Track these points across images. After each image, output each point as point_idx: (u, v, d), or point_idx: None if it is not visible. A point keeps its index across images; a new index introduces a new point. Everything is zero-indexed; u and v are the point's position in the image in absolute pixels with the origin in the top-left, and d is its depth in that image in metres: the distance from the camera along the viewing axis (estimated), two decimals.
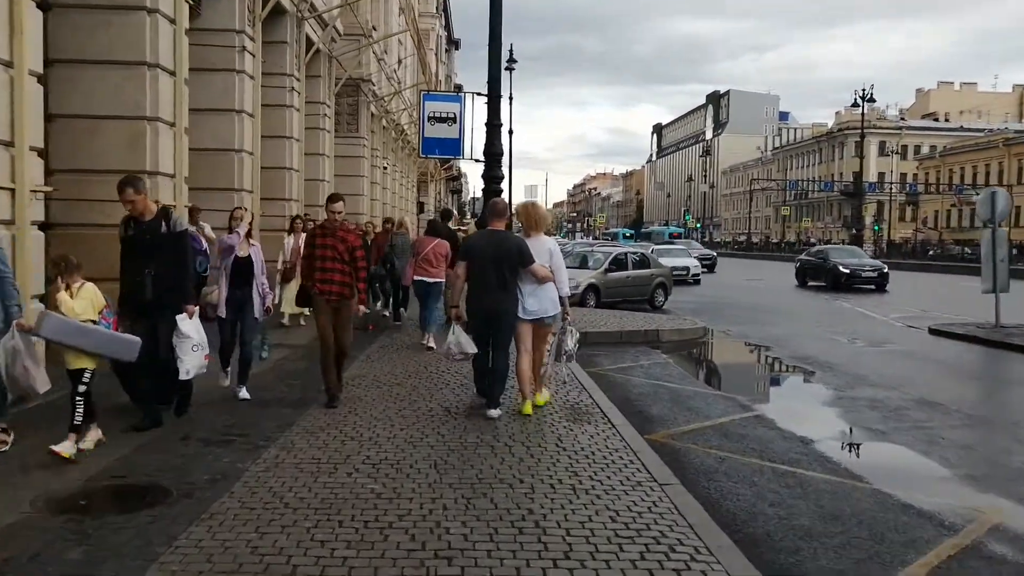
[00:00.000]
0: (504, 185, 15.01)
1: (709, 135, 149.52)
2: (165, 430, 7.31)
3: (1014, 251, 38.22)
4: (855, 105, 65.81)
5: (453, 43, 77.03)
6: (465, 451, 6.95)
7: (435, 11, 55.26)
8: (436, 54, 57.68)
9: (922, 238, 75.38)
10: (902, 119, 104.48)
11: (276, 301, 12.21)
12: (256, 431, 7.41)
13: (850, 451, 8.70)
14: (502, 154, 14.61)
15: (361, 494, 5.75)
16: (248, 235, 9.00)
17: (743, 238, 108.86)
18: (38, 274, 8.28)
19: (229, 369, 9.06)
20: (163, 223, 7.37)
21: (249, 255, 8.84)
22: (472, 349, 8.34)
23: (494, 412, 8.17)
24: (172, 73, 11.21)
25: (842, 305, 25.08)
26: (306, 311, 13.00)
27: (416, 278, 13.22)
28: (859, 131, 70.00)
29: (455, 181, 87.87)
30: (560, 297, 8.59)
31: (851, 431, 9.44)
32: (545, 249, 8.56)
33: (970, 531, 6.00)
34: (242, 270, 8.77)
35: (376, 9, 29.74)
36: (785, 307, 24.92)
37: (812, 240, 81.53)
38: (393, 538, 4.95)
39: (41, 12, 8.88)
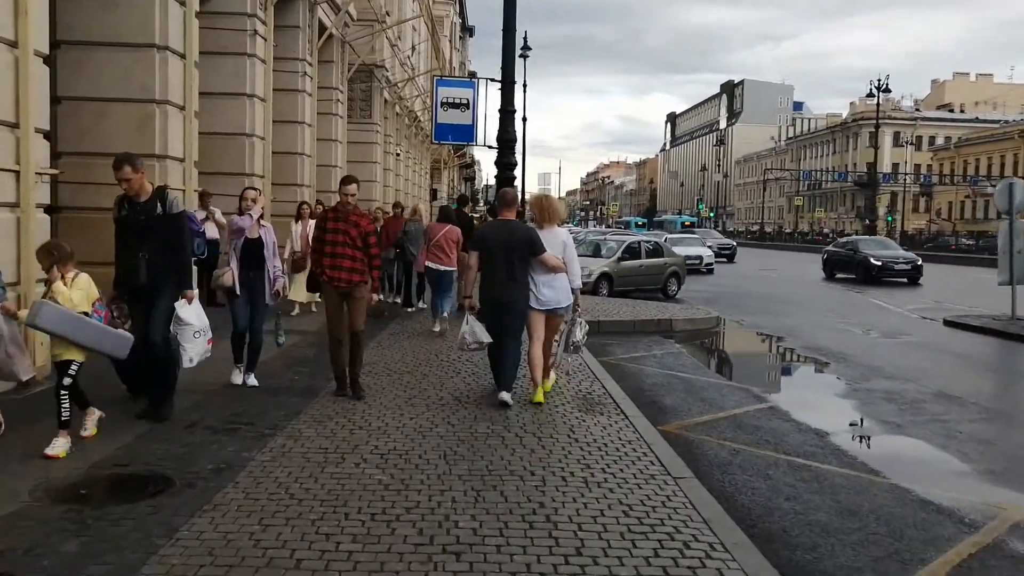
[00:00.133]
0: (517, 172, 14.91)
1: (723, 124, 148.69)
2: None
3: None
4: (870, 95, 65.04)
5: (467, 30, 76.76)
6: (475, 441, 6.82)
7: None
8: (450, 41, 57.48)
9: (936, 229, 74.86)
10: (917, 110, 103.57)
11: (287, 288, 11.90)
12: (263, 419, 7.27)
13: (866, 444, 8.54)
14: (515, 141, 14.51)
15: (368, 485, 5.63)
16: (260, 217, 8.65)
17: (756, 228, 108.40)
18: None
19: (242, 365, 8.63)
20: (159, 204, 7.00)
21: (260, 236, 8.48)
22: (487, 339, 8.23)
23: (505, 395, 8.09)
24: (182, 56, 11.12)
25: (856, 296, 24.85)
26: (317, 297, 12.86)
27: (428, 264, 13.11)
28: (874, 121, 69.19)
29: (468, 168, 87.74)
30: (572, 289, 8.54)
31: (867, 424, 9.26)
32: (559, 241, 8.46)
33: (991, 529, 5.85)
34: (252, 252, 8.43)
35: None
36: (798, 297, 24.69)
37: (826, 231, 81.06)
38: (400, 531, 4.82)
39: None
